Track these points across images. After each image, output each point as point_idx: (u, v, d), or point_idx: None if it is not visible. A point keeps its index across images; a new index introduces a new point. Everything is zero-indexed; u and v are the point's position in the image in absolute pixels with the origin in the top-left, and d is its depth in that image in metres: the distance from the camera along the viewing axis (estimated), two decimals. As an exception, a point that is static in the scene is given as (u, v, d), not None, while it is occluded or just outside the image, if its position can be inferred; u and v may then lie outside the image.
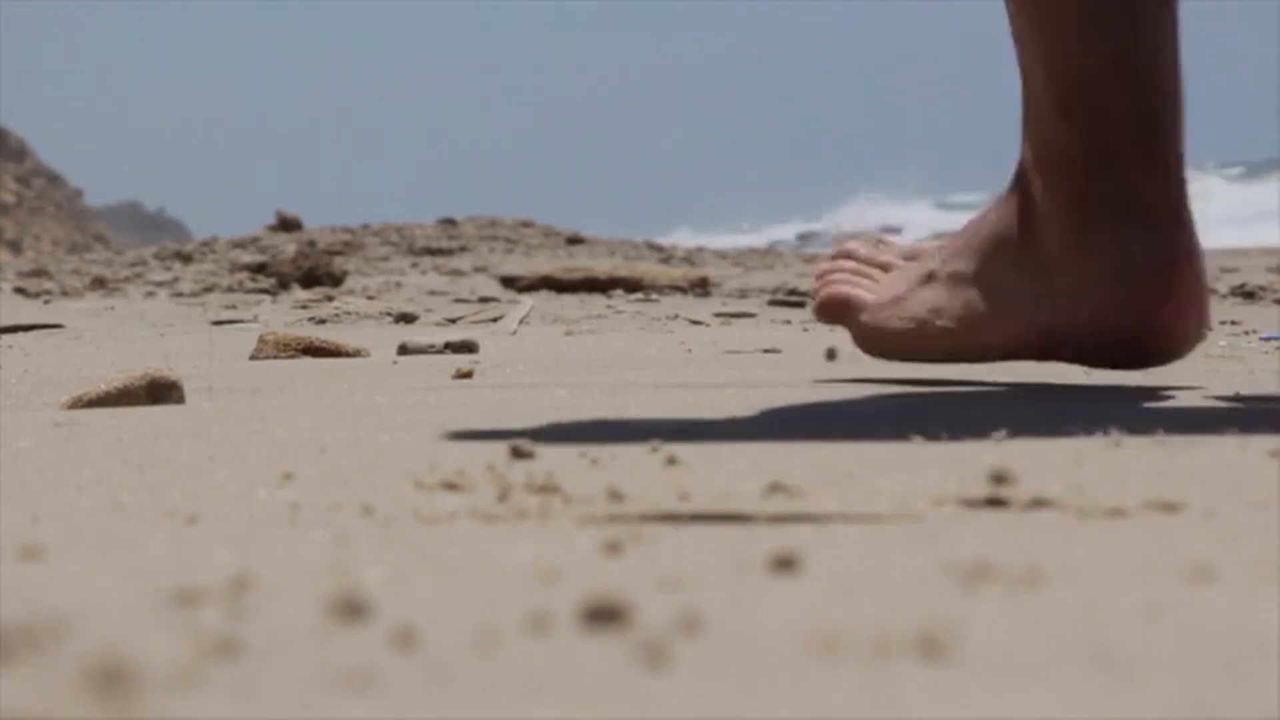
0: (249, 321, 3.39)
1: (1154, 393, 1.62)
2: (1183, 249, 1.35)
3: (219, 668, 0.59)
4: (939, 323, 1.49)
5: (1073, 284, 1.37)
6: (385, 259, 7.77)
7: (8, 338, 2.88)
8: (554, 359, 2.21)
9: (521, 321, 3.12)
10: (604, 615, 0.65)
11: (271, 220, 9.17)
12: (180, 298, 4.86)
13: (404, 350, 2.33)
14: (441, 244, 8.40)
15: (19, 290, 5.35)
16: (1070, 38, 1.32)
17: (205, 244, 8.46)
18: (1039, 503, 0.96)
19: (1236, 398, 1.57)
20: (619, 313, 3.91)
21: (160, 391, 1.61)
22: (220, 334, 2.87)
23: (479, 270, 6.92)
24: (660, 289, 5.16)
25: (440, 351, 2.28)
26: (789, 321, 3.15)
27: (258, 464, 1.15)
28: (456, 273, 6.76)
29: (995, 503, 0.96)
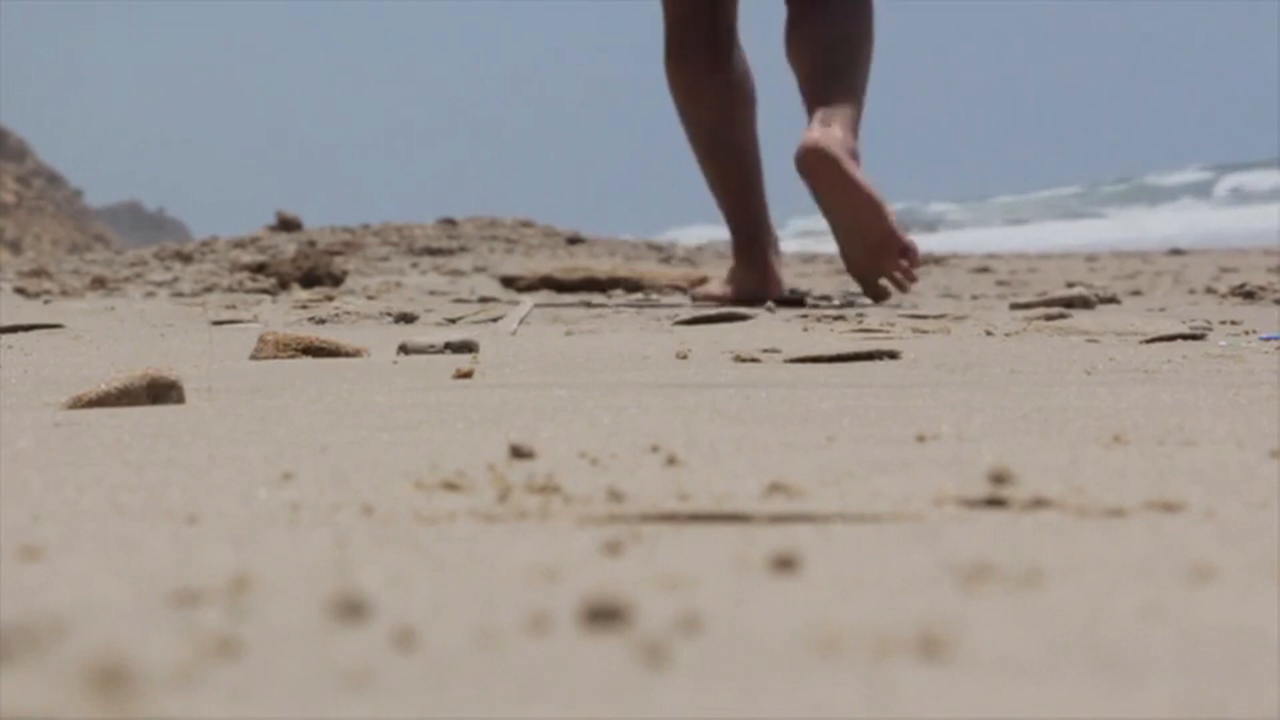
0: (249, 321, 3.39)
1: (1156, 392, 1.62)
2: (769, 276, 4.62)
3: (219, 668, 0.59)
4: (720, 292, 4.68)
5: (745, 281, 4.63)
6: (385, 259, 7.77)
7: (8, 338, 2.88)
8: (554, 359, 2.21)
9: (521, 321, 3.12)
10: (604, 615, 0.65)
11: (271, 220, 9.15)
12: (180, 298, 4.86)
13: (404, 350, 2.33)
14: (441, 244, 8.39)
15: (19, 290, 5.34)
16: (726, 206, 4.75)
17: (205, 244, 8.44)
18: (1039, 503, 0.96)
19: (1236, 397, 1.57)
20: (619, 312, 3.91)
21: (160, 391, 1.61)
22: (220, 334, 2.87)
23: (479, 270, 6.92)
24: (660, 289, 5.16)
25: (440, 351, 2.28)
26: (788, 321, 3.15)
27: (258, 464, 1.15)
28: (456, 273, 6.76)
29: (995, 503, 0.96)
